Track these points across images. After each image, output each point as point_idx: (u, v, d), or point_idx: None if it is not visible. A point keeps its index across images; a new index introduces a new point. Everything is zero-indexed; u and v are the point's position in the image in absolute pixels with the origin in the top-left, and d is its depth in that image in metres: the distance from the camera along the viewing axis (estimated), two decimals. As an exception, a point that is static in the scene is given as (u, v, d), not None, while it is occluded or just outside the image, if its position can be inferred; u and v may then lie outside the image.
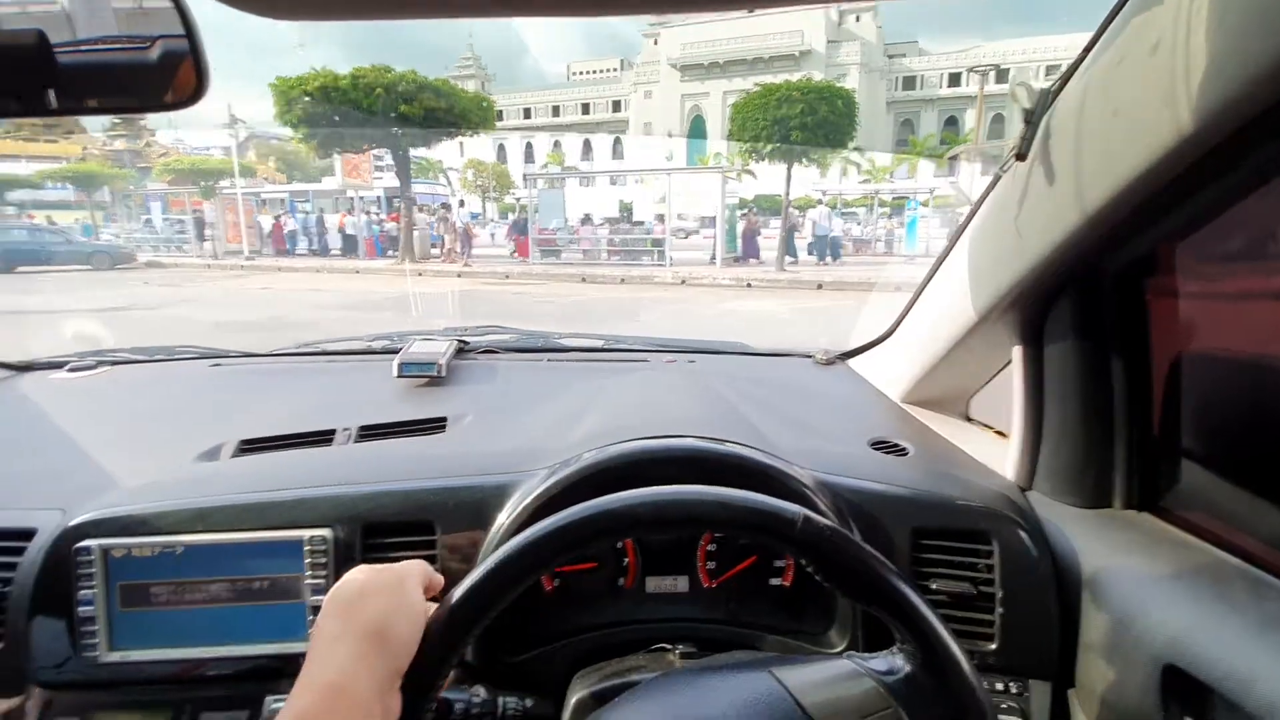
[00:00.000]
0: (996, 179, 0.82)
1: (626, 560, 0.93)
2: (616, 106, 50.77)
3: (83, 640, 0.79)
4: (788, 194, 15.99)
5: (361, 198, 21.54)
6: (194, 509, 0.83)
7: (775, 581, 0.94)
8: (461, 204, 23.94)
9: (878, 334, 1.41)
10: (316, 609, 0.80)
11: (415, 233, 17.77)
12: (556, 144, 51.55)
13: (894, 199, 23.29)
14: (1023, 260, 0.80)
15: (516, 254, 18.60)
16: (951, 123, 43.91)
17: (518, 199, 30.02)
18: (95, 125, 35.21)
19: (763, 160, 16.24)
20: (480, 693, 0.69)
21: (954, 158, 29.43)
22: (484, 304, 10.92)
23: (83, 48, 0.65)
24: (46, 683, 0.81)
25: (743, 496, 0.57)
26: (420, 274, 15.62)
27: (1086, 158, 0.67)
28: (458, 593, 0.52)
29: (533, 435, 1.04)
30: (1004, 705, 0.80)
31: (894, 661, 0.56)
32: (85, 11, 0.70)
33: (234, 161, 22.82)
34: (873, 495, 0.87)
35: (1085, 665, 0.78)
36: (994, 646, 0.82)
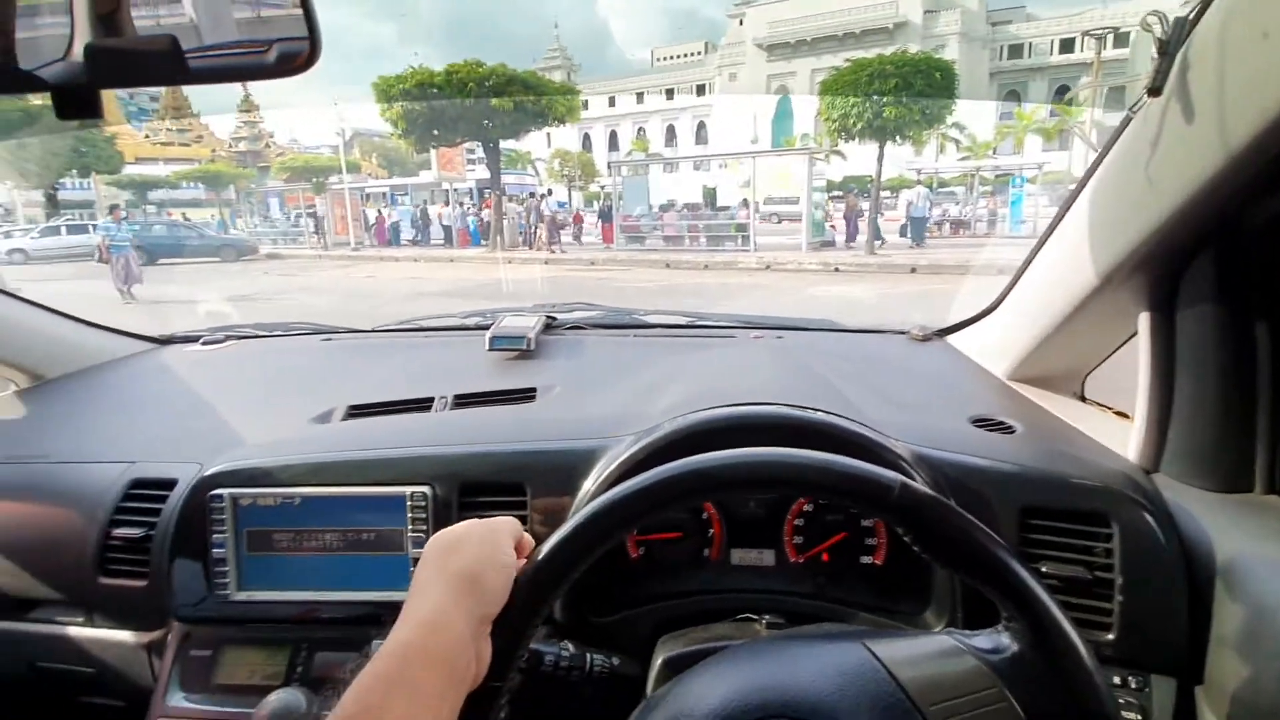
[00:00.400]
0: (1126, 121, 0.74)
1: (712, 531, 0.93)
2: (701, 90, 50.14)
3: (215, 580, 0.88)
4: (879, 174, 15.30)
5: (455, 189, 22.43)
6: (310, 464, 0.89)
7: (866, 560, 0.91)
8: (549, 193, 24.44)
9: (979, 309, 1.33)
10: (416, 561, 0.85)
11: (505, 222, 18.34)
12: (640, 131, 51.65)
13: (997, 176, 21.76)
14: (1154, 212, 0.71)
15: (603, 240, 18.83)
16: (1063, 92, 40.36)
17: (602, 187, 30.36)
18: (223, 130, 38.47)
19: (853, 140, 15.56)
20: (569, 648, 0.70)
21: (1066, 130, 27.13)
22: (570, 288, 11.18)
23: (210, 53, 0.71)
24: (184, 618, 0.90)
25: (835, 459, 0.55)
26: (510, 261, 16.14)
27: (1231, 89, 0.59)
28: (547, 546, 0.53)
29: (618, 405, 1.06)
30: (1122, 700, 0.74)
31: (999, 640, 0.53)
32: (210, 20, 0.76)
33: (341, 159, 24.34)
34: (976, 470, 0.82)
35: (1217, 660, 0.70)
36: (1111, 637, 0.76)
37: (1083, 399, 1.15)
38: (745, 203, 16.94)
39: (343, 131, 25.87)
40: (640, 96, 52.97)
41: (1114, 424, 1.01)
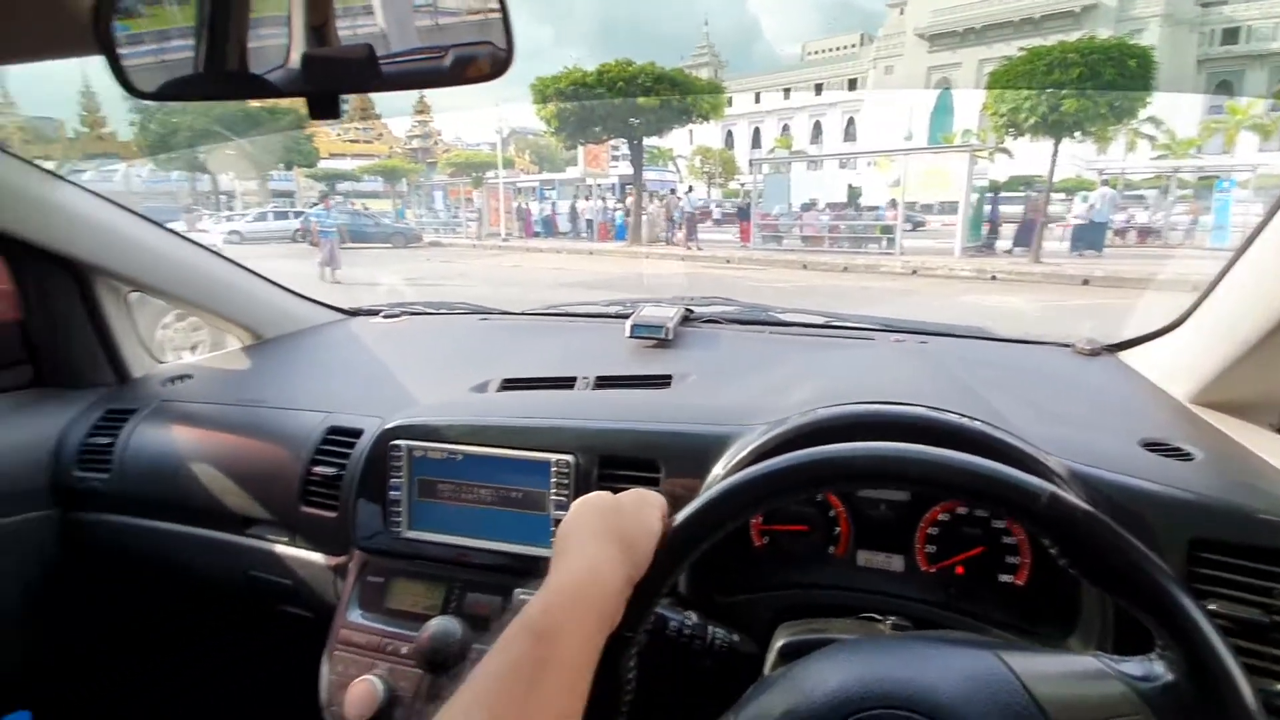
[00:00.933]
0: None
1: (839, 530, 0.93)
2: (852, 85, 48.04)
3: (390, 519, 1.01)
4: (1052, 174, 13.85)
5: (598, 185, 23.24)
6: (472, 425, 1.00)
7: (1005, 579, 0.86)
8: (690, 190, 24.64)
9: (1161, 324, 1.19)
10: (558, 522, 0.93)
11: (644, 218, 18.75)
12: (785, 127, 50.47)
13: (1200, 178, 18.90)
14: None
15: (740, 238, 18.69)
16: (1293, 81, 34.08)
17: (742, 184, 30.05)
18: (399, 129, 42.58)
19: (1023, 136, 14.17)
20: (692, 618, 0.74)
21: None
22: (705, 285, 11.23)
23: (399, 58, 0.81)
24: (363, 548, 1.04)
25: (977, 460, 0.54)
26: (648, 256, 16.48)
27: None
28: (684, 514, 0.57)
29: (752, 396, 1.08)
30: None
31: (1151, 667, 0.49)
32: (398, 30, 0.85)
33: (499, 155, 26.10)
34: (1140, 494, 0.76)
35: None
36: None
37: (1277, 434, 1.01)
38: (893, 203, 16.05)
39: (501, 130, 27.69)
40: (787, 92, 51.69)
41: None
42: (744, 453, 0.86)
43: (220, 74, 0.64)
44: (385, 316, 1.77)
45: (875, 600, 0.85)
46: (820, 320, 1.60)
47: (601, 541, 0.54)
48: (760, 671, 0.76)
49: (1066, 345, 1.35)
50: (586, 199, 22.48)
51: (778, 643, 0.76)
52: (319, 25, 0.71)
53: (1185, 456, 0.88)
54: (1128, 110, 13.19)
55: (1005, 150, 20.95)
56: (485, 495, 0.97)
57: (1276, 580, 0.69)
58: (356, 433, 1.12)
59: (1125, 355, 1.26)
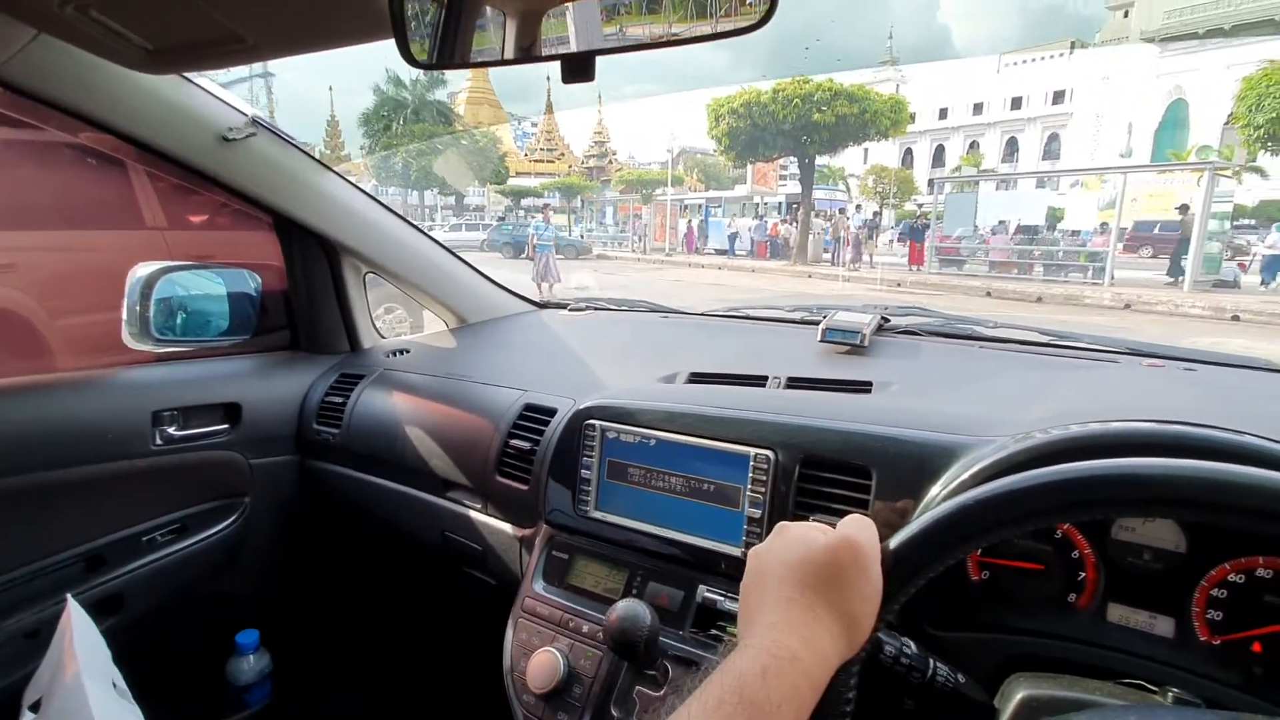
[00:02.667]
0: None
1: (1083, 575, 0.78)
2: (1058, 97, 43.14)
3: (580, 496, 1.03)
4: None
5: (766, 203, 23.05)
6: (666, 411, 0.99)
7: None
8: (859, 208, 23.62)
9: None
10: (752, 520, 0.88)
11: (810, 236, 18.26)
12: (973, 145, 46.60)
13: None
14: None
15: (909, 261, 17.52)
16: None
17: (919, 205, 28.21)
18: (579, 149, 45.39)
19: (1282, 152, 11.85)
20: (911, 645, 0.65)
21: None
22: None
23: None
24: (551, 522, 1.07)
25: None
26: (809, 276, 16.00)
27: None
28: (911, 530, 0.50)
29: (977, 408, 0.95)
30: None
31: None
32: None
33: (669, 173, 26.90)
34: None
35: None
36: None
37: None
38: (1104, 227, 14.14)
39: (672, 149, 28.51)
40: (978, 106, 47.79)
41: None
42: (982, 464, 0.75)
43: (483, 43, 0.68)
44: (572, 310, 1.84)
45: (1137, 666, 0.70)
46: (1043, 338, 1.40)
47: (824, 620, 0.49)
48: (991, 721, 0.65)
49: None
50: (740, 216, 22.38)
51: (1017, 694, 0.64)
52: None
53: None
54: None
55: (1258, 169, 17.65)
56: (676, 484, 0.95)
57: None
58: (551, 411, 1.15)
59: None
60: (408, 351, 1.61)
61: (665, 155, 29.11)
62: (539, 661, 0.91)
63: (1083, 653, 0.73)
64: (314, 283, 1.58)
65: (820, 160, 20.89)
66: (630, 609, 0.79)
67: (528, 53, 0.68)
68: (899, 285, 14.51)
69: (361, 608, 1.71)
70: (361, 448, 1.41)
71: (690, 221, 24.04)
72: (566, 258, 20.91)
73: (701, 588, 0.90)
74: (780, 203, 24.02)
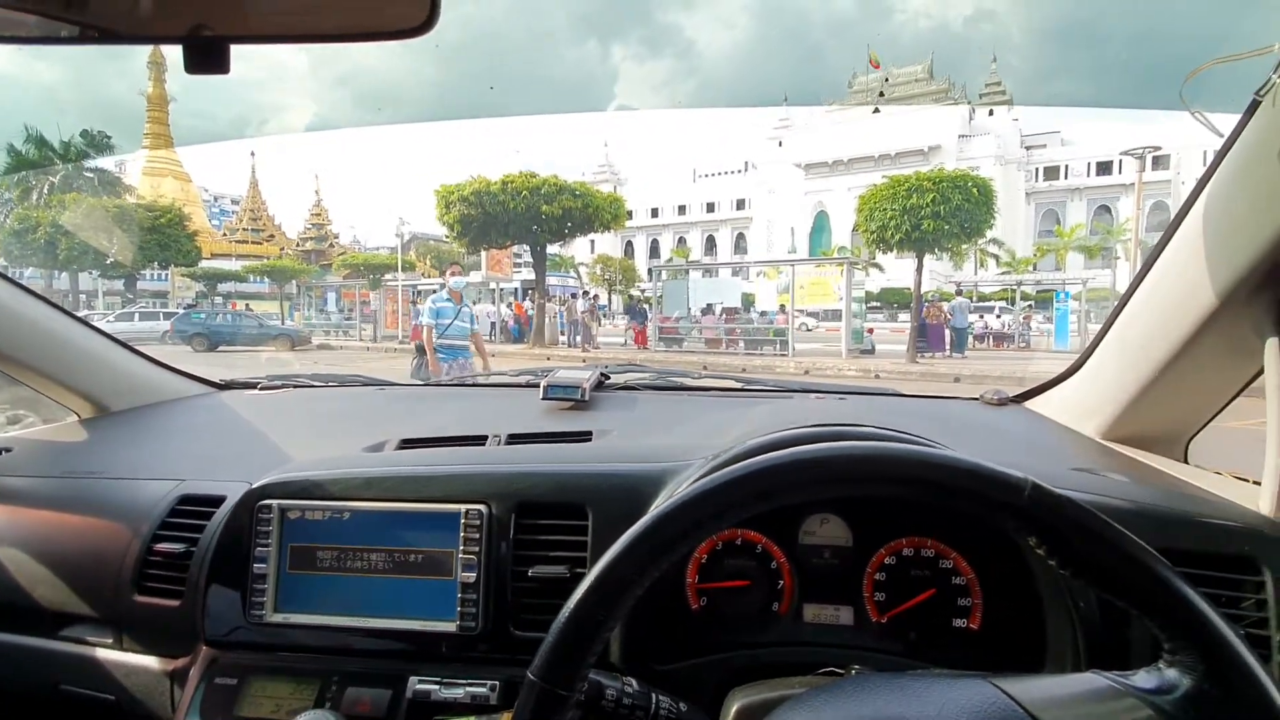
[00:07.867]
0: (1251, 110, 0.68)
1: (782, 583, 0.85)
2: (740, 204, 52.50)
3: (252, 599, 0.82)
4: (918, 285, 15.41)
5: (501, 289, 23.38)
6: (363, 476, 0.86)
7: (959, 623, 0.80)
8: (587, 293, 25.29)
9: (1057, 373, 1.26)
10: (466, 586, 0.79)
11: (546, 320, 18.92)
12: (681, 239, 53.87)
13: (1039, 291, 21.81)
14: None
15: (634, 342, 19.15)
16: (1104, 211, 40.75)
17: (641, 290, 31.28)
18: (292, 230, 41.45)
19: (890, 251, 15.85)
20: (633, 684, 0.62)
21: (1108, 248, 27.25)
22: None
23: None
24: (214, 641, 0.84)
25: (955, 457, 0.49)
26: (548, 358, 16.45)
27: None
28: (612, 551, 0.48)
29: (681, 442, 1.01)
30: None
31: (1165, 677, 0.44)
32: None
33: (398, 258, 25.85)
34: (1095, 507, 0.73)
35: None
36: None
37: (1186, 464, 1.05)
38: (783, 309, 17.18)
39: (402, 234, 27.63)
40: (682, 208, 55.66)
41: (1234, 486, 0.91)
42: (685, 484, 0.77)
43: (71, 14, 0.53)
44: (264, 388, 1.57)
45: (830, 655, 0.76)
46: (737, 384, 1.59)
47: None
48: (715, 746, 0.64)
49: (973, 399, 1.39)
50: (490, 303, 22.48)
51: (732, 707, 0.65)
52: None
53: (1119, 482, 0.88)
54: (975, 230, 15.12)
55: (877, 265, 23.23)
56: (377, 561, 0.81)
57: (1239, 590, 0.67)
58: (215, 500, 0.93)
59: (1031, 404, 1.31)
60: (9, 450, 1.20)
61: (394, 240, 28.07)
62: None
63: (788, 654, 0.78)
64: None
65: (551, 249, 22.03)
66: None
67: (119, 34, 0.54)
68: (630, 364, 15.68)
69: None
70: None
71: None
72: (279, 349, 18.53)
73: (413, 680, 0.77)
74: (515, 288, 24.61)
